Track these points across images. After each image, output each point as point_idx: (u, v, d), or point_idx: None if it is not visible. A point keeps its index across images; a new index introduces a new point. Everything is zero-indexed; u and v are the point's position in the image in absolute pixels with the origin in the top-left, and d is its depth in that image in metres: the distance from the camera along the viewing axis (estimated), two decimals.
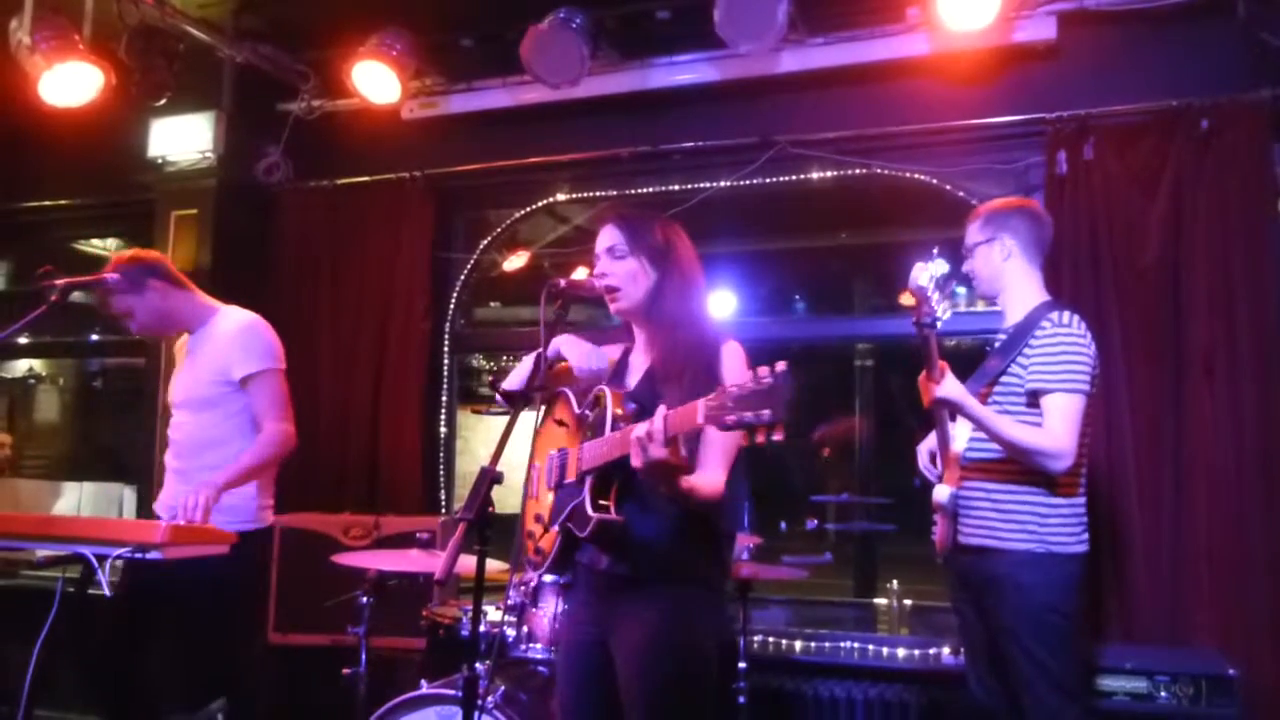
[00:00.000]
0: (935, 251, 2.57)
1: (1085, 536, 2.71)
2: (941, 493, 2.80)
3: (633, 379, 2.40)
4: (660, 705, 2.18)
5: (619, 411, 2.20)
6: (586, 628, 2.34)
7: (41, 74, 4.02)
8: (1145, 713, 3.01)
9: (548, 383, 2.38)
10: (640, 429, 1.97)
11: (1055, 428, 2.61)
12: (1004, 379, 2.75)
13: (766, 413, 1.73)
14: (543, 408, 2.54)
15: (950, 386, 2.60)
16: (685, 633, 2.21)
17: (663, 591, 2.23)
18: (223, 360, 3.25)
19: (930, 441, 2.97)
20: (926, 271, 2.49)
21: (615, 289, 2.34)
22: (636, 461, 1.98)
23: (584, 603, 2.37)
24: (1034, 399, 2.67)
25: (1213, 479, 3.38)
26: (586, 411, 2.30)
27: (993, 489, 2.73)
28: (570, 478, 2.28)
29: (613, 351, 2.52)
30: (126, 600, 3.16)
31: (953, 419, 2.79)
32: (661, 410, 1.97)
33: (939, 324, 2.52)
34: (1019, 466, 2.67)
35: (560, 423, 2.44)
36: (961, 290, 3.97)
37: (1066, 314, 2.72)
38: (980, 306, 3.91)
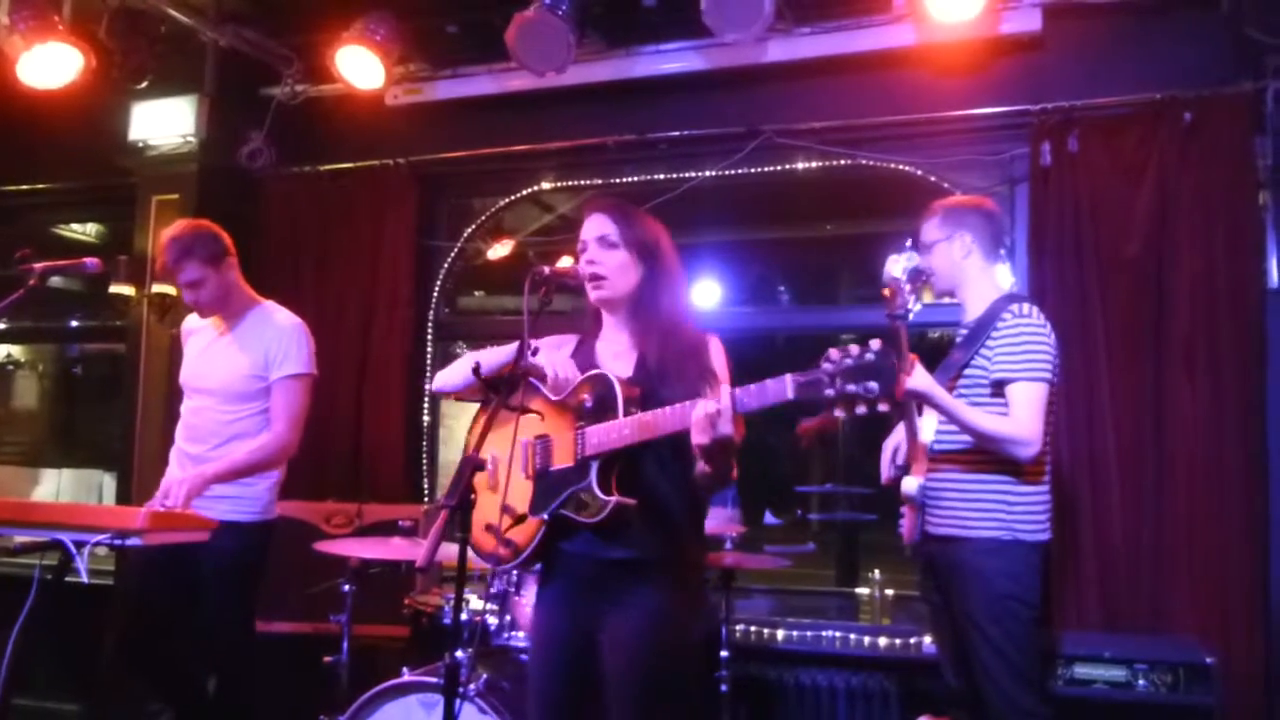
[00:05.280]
0: (908, 244, 2.61)
1: (1048, 525, 2.76)
2: (910, 484, 2.85)
3: (610, 366, 2.35)
4: (652, 691, 2.19)
5: (630, 396, 2.20)
6: (567, 618, 2.31)
7: (20, 55, 3.97)
8: (1124, 701, 3.04)
9: (522, 372, 2.34)
10: (707, 406, 1.99)
11: (1021, 415, 2.65)
12: (968, 371, 2.79)
13: (874, 385, 1.78)
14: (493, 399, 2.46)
15: (920, 378, 2.64)
16: (679, 623, 2.23)
17: (660, 579, 2.23)
18: (268, 355, 3.26)
19: (895, 437, 3.01)
20: (900, 263, 2.57)
21: (603, 278, 2.33)
22: (703, 438, 1.99)
23: (565, 592, 2.33)
24: (998, 389, 2.72)
25: (1193, 469, 3.41)
26: (584, 398, 2.26)
27: (961, 478, 2.77)
28: (564, 464, 2.26)
29: (563, 342, 2.49)
30: (140, 590, 3.23)
31: (920, 411, 2.83)
32: (727, 388, 2.01)
33: (910, 315, 2.59)
34: (986, 455, 2.71)
35: (528, 411, 2.36)
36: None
37: (1026, 305, 2.78)
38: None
